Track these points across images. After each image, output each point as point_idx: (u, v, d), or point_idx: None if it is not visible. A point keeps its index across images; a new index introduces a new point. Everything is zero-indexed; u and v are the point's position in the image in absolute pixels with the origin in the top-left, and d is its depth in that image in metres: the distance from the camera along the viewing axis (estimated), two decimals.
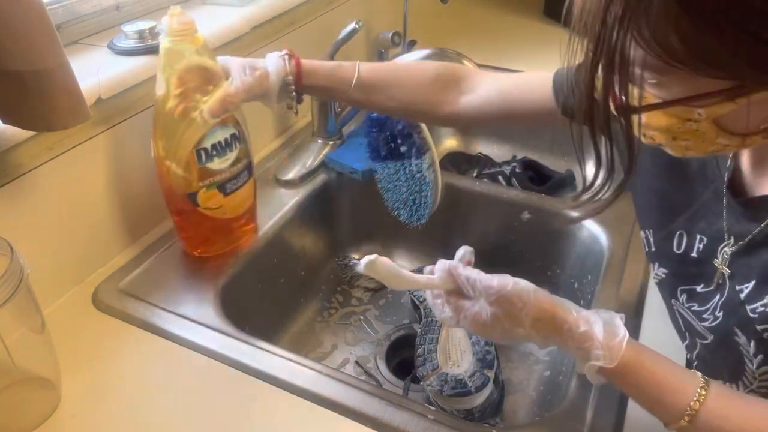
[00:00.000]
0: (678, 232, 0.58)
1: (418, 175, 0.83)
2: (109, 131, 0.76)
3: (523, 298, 0.54)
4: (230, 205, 0.79)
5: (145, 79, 0.76)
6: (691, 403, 0.48)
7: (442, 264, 0.58)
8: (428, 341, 0.80)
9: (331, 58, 0.99)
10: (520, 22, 1.67)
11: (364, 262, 0.55)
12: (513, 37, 1.56)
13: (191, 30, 0.69)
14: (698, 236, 0.56)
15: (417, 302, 0.91)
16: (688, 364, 0.62)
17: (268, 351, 0.68)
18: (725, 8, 0.35)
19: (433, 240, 1.01)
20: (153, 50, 0.77)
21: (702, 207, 0.56)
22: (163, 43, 0.69)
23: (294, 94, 0.72)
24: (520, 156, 1.27)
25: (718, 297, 0.55)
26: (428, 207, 0.84)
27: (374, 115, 0.81)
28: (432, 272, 0.58)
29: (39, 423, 0.61)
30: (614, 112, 0.42)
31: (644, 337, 0.70)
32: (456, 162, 1.31)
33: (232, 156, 0.76)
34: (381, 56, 1.25)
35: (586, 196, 0.49)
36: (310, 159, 1.02)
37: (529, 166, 1.20)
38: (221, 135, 0.74)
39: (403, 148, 0.81)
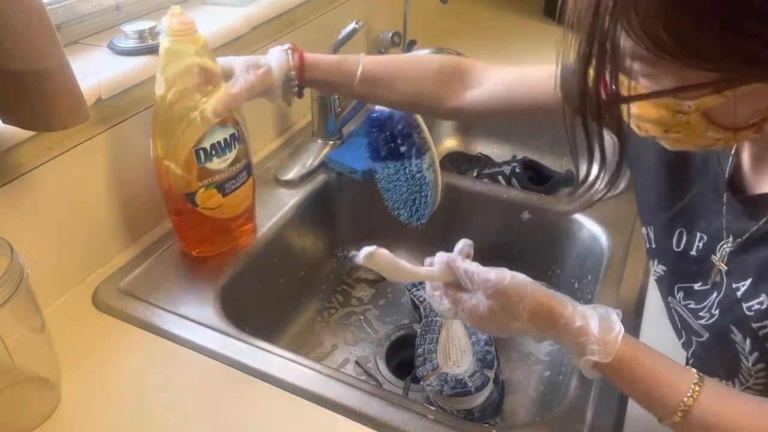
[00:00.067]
0: (678, 230, 0.59)
1: (418, 175, 0.83)
2: (109, 131, 0.76)
3: (520, 292, 0.54)
4: (229, 205, 0.79)
5: (145, 79, 0.76)
6: (685, 399, 0.49)
7: (441, 256, 0.58)
8: (428, 341, 0.80)
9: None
10: (520, 22, 1.67)
11: (363, 253, 0.55)
12: (513, 37, 1.56)
13: (191, 30, 0.69)
14: (698, 234, 0.57)
15: (417, 302, 0.91)
16: (686, 363, 0.63)
17: (268, 351, 0.68)
18: (709, 0, 0.36)
19: (433, 240, 1.01)
20: (153, 50, 0.77)
21: (702, 205, 0.56)
22: (163, 43, 0.69)
23: (296, 89, 0.72)
24: (520, 156, 1.27)
25: (715, 295, 0.55)
26: (428, 207, 0.84)
27: (374, 115, 0.81)
28: (431, 264, 0.59)
29: (39, 423, 0.61)
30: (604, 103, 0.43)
31: (644, 337, 0.70)
32: (456, 162, 1.31)
33: (231, 156, 0.76)
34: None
35: (581, 191, 0.49)
36: (310, 159, 1.02)
37: (529, 166, 1.20)
38: (220, 135, 0.74)
39: (403, 148, 0.81)
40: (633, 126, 0.48)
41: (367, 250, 0.55)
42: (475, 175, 1.23)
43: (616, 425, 0.61)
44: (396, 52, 1.23)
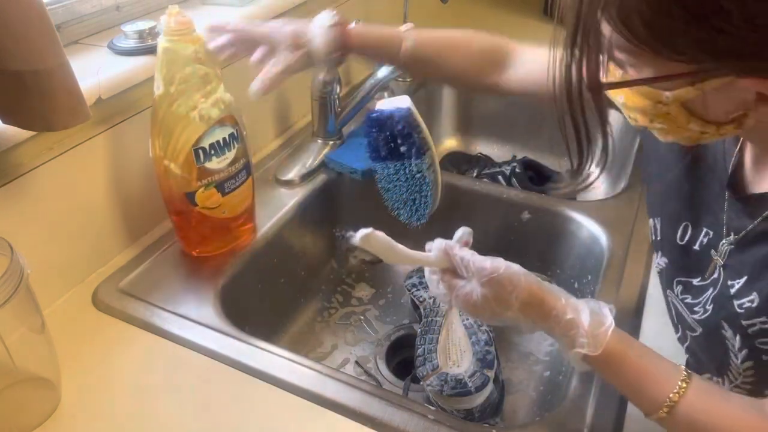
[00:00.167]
0: (684, 223, 0.59)
1: (418, 175, 0.82)
2: (109, 131, 0.76)
3: (513, 282, 0.55)
4: (228, 205, 0.79)
5: (145, 79, 0.76)
6: (671, 395, 0.49)
7: (438, 242, 0.60)
8: (428, 341, 0.80)
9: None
10: (520, 21, 1.67)
11: (360, 234, 0.56)
12: (513, 37, 1.56)
13: (189, 30, 0.69)
14: (704, 230, 0.57)
15: (417, 302, 0.91)
16: (685, 362, 0.63)
17: (268, 351, 0.68)
18: None
19: (433, 240, 1.01)
20: (153, 50, 0.77)
21: (709, 201, 0.57)
22: (161, 42, 0.69)
23: (335, 63, 0.75)
24: (520, 156, 1.27)
25: (710, 290, 0.56)
26: (428, 207, 0.84)
27: (374, 115, 0.81)
28: (432, 250, 0.60)
29: (39, 423, 0.61)
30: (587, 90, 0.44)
31: (644, 337, 0.70)
32: (456, 162, 1.31)
33: (230, 155, 0.76)
34: None
35: (571, 177, 0.50)
36: (310, 159, 1.02)
37: (529, 166, 1.20)
38: (219, 134, 0.74)
39: (403, 148, 0.80)
40: (625, 115, 0.49)
41: (363, 231, 0.56)
42: (475, 175, 1.23)
43: (616, 425, 0.61)
44: None
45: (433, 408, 0.68)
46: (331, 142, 1.05)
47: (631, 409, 0.62)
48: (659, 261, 0.64)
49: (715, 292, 0.55)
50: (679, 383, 0.50)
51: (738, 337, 0.52)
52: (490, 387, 0.74)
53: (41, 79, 0.57)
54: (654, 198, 0.65)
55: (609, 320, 0.53)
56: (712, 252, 0.56)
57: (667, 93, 0.43)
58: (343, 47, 0.72)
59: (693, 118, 0.45)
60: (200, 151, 0.73)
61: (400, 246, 0.59)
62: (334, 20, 0.72)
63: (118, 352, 0.69)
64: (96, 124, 0.74)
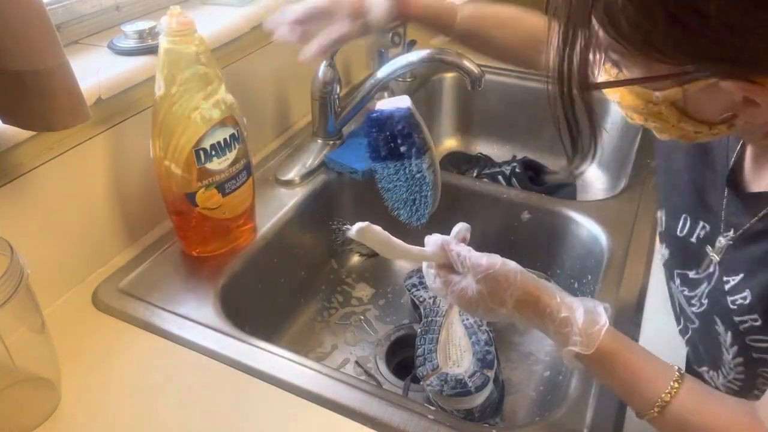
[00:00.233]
0: (683, 216, 0.60)
1: (418, 175, 0.82)
2: (109, 131, 0.76)
3: (509, 279, 0.55)
4: (229, 205, 0.79)
5: (145, 79, 0.76)
6: (663, 395, 0.50)
7: (435, 237, 0.60)
8: (428, 341, 0.80)
9: (331, 58, 0.98)
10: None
11: (356, 228, 0.56)
12: None
13: (190, 30, 0.69)
14: (701, 223, 0.58)
15: (417, 302, 0.91)
16: (686, 360, 0.63)
17: (268, 351, 0.68)
18: None
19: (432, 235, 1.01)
20: (153, 50, 0.77)
21: (709, 195, 0.57)
22: (162, 43, 0.69)
23: (392, 31, 0.79)
24: (520, 156, 1.27)
25: (705, 284, 0.56)
26: (428, 207, 0.84)
27: (374, 115, 0.81)
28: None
29: (39, 423, 0.61)
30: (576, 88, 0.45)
31: (644, 337, 0.70)
32: (456, 162, 1.31)
33: (231, 156, 0.76)
34: (381, 56, 1.25)
35: (565, 164, 0.51)
36: (310, 159, 1.02)
37: (529, 166, 1.20)
38: (220, 135, 0.74)
39: (403, 148, 0.80)
40: (622, 113, 0.50)
41: (359, 224, 0.56)
42: (475, 175, 1.23)
43: (616, 425, 0.61)
44: (396, 52, 1.23)
45: (433, 408, 0.68)
46: (331, 142, 1.05)
47: (632, 409, 0.62)
48: (663, 252, 0.65)
49: (710, 286, 0.55)
50: (672, 383, 0.50)
51: (729, 333, 0.53)
52: (490, 387, 0.74)
53: (41, 79, 0.57)
54: (661, 189, 0.66)
55: (603, 319, 0.53)
56: (708, 247, 0.56)
57: (657, 93, 0.44)
58: (400, 16, 0.75)
59: (685, 117, 0.45)
60: (201, 152, 0.73)
61: (397, 240, 0.59)
62: None
63: (118, 352, 0.69)
64: (96, 124, 0.74)
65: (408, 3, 0.75)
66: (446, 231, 0.63)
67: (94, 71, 0.73)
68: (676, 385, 0.50)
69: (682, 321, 0.62)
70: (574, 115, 0.46)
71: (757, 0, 0.36)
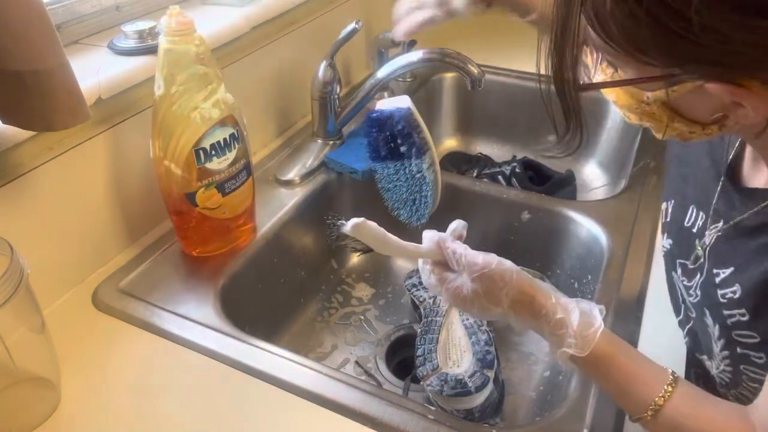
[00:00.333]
0: (692, 206, 0.60)
1: (418, 175, 0.82)
2: (109, 131, 0.76)
3: (505, 278, 0.55)
4: (229, 205, 0.79)
5: (145, 79, 0.76)
6: (657, 398, 0.50)
7: (431, 234, 0.60)
8: (428, 341, 0.80)
9: (332, 58, 0.99)
10: (520, 21, 1.67)
11: (351, 223, 0.56)
12: (513, 37, 1.56)
13: (190, 30, 0.69)
14: (701, 214, 0.58)
15: (417, 302, 0.91)
16: (686, 361, 0.63)
17: (268, 351, 0.68)
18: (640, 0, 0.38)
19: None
20: (153, 50, 0.77)
21: (708, 187, 0.58)
22: (162, 43, 0.69)
23: (479, 13, 0.83)
24: (520, 156, 1.27)
25: (698, 276, 0.57)
26: (428, 207, 0.84)
27: (374, 115, 0.81)
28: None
29: (39, 423, 0.61)
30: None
31: (644, 337, 0.70)
32: (456, 162, 1.31)
33: (230, 156, 0.76)
34: (381, 56, 1.25)
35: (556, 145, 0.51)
36: (310, 159, 1.02)
37: (529, 166, 1.20)
38: (220, 135, 0.74)
39: (403, 148, 0.80)
40: (620, 113, 0.50)
41: (355, 220, 0.56)
42: (475, 175, 1.23)
43: (616, 425, 0.61)
44: (396, 52, 1.23)
45: (433, 408, 0.68)
46: (331, 142, 1.05)
47: None
48: (665, 243, 0.65)
49: (702, 278, 0.56)
50: (666, 387, 0.50)
51: (717, 326, 0.53)
52: (490, 387, 0.74)
53: (41, 79, 0.57)
54: (669, 180, 0.67)
55: (598, 322, 0.53)
56: (697, 239, 0.57)
57: (648, 93, 0.45)
58: (482, 1, 0.80)
59: (678, 117, 0.46)
60: (201, 152, 0.73)
61: (392, 236, 0.59)
62: None
63: (118, 352, 0.69)
64: (96, 124, 0.74)
65: None
66: (445, 231, 0.63)
67: (94, 71, 0.73)
68: (670, 388, 0.50)
69: (682, 311, 0.62)
70: (569, 110, 0.47)
71: (735, 3, 0.36)
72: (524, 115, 1.33)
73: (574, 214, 0.94)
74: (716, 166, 0.57)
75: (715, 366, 0.57)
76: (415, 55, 0.94)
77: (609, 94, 0.49)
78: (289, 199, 0.95)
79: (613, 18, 0.40)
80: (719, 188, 0.55)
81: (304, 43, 1.11)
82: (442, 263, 0.59)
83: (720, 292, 0.52)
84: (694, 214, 0.60)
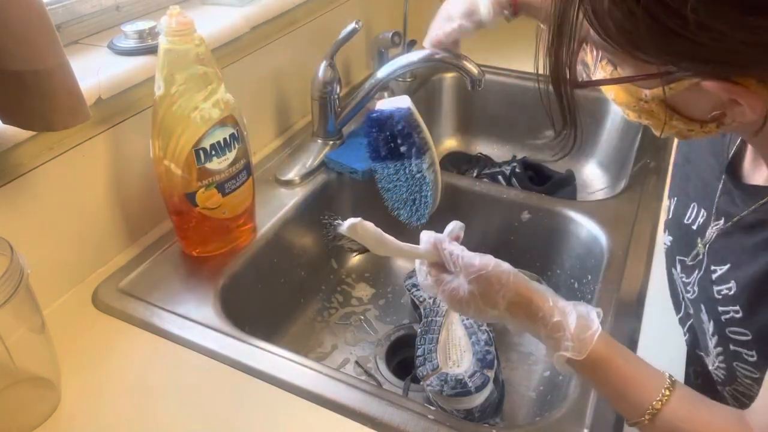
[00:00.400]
0: (693, 204, 0.61)
1: (418, 175, 0.82)
2: (109, 131, 0.76)
3: (501, 281, 0.54)
4: (229, 205, 0.79)
5: (145, 79, 0.76)
6: (654, 402, 0.49)
7: (428, 235, 0.59)
8: (428, 341, 0.80)
9: (331, 58, 0.99)
10: (520, 21, 1.67)
11: (347, 224, 0.55)
12: (513, 37, 1.56)
13: (190, 30, 0.69)
14: (702, 211, 0.59)
15: (417, 302, 0.91)
16: (686, 359, 0.64)
17: (268, 351, 0.68)
18: None
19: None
20: (153, 50, 0.77)
21: (709, 184, 0.58)
22: (162, 43, 0.69)
23: (507, 20, 0.85)
24: (520, 156, 1.27)
25: (696, 272, 0.57)
26: (428, 207, 0.84)
27: (374, 115, 0.81)
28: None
29: (39, 423, 0.61)
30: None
31: (644, 338, 0.70)
32: (456, 162, 1.31)
33: (230, 156, 0.76)
34: (381, 56, 1.25)
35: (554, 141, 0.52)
36: (310, 159, 1.02)
37: (529, 166, 1.20)
38: (220, 135, 0.74)
39: (403, 148, 0.80)
40: (620, 111, 0.51)
41: (351, 220, 0.55)
42: (475, 175, 1.23)
43: (616, 425, 0.61)
44: (396, 52, 1.23)
45: (433, 408, 0.68)
46: (331, 142, 1.05)
47: None
48: (666, 240, 0.65)
49: (700, 274, 0.56)
50: (663, 391, 0.50)
51: (711, 323, 0.54)
52: (490, 387, 0.74)
53: (41, 79, 0.57)
54: (675, 180, 0.67)
55: (596, 325, 0.53)
56: (699, 236, 0.57)
57: (646, 91, 0.45)
58: (509, 8, 0.83)
59: (676, 115, 0.46)
60: (201, 152, 0.73)
61: (389, 237, 0.58)
62: None
63: (118, 352, 0.69)
64: (96, 124, 0.74)
65: None
66: (450, 222, 0.62)
67: (94, 71, 0.73)
68: (668, 392, 0.50)
69: (683, 308, 0.62)
70: (565, 108, 0.47)
71: (732, 2, 0.37)
72: (524, 115, 1.33)
73: (574, 214, 0.94)
74: (719, 164, 0.57)
75: (711, 362, 0.57)
76: (415, 55, 0.94)
77: (608, 91, 0.49)
78: (289, 199, 0.95)
79: (610, 15, 0.40)
80: (721, 186, 0.56)
81: (304, 43, 1.11)
82: (439, 264, 0.58)
83: (716, 288, 0.53)
84: (694, 212, 0.60)
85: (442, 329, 0.82)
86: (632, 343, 0.69)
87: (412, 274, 0.96)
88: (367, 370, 0.89)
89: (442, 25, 0.87)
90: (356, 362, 0.91)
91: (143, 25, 0.79)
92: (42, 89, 0.58)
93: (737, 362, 0.53)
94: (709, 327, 0.54)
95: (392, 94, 1.23)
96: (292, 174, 0.99)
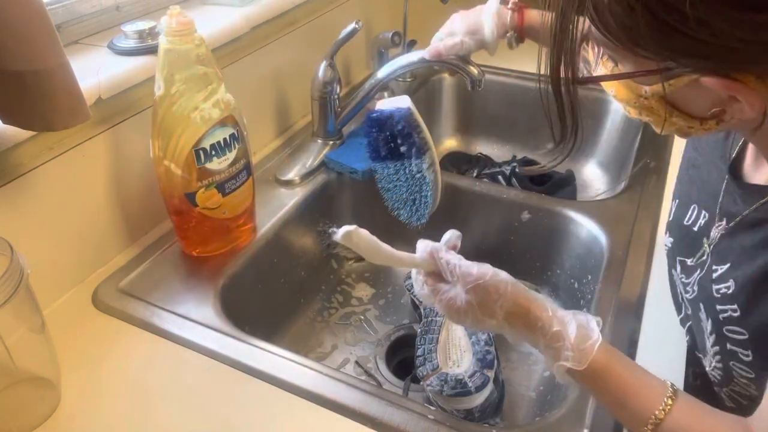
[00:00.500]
0: (693, 206, 0.61)
1: (418, 175, 0.82)
2: (109, 131, 0.76)
3: (499, 290, 0.54)
4: (229, 205, 0.79)
5: (145, 79, 0.76)
6: (657, 412, 0.49)
7: (424, 244, 0.59)
8: (428, 341, 0.80)
9: (331, 58, 0.99)
10: None
11: (342, 231, 0.54)
12: None
13: (190, 30, 0.69)
14: (703, 212, 0.59)
15: (417, 302, 0.91)
16: (686, 360, 0.64)
17: (268, 351, 0.68)
18: None
19: (433, 240, 1.01)
20: (153, 50, 0.77)
21: (712, 185, 0.58)
22: (162, 43, 0.69)
23: (511, 44, 0.85)
24: (520, 156, 1.27)
25: (698, 272, 0.57)
26: (428, 207, 0.84)
27: (374, 115, 0.81)
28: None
29: (39, 423, 0.61)
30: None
31: (644, 338, 0.70)
32: (456, 162, 1.31)
33: (230, 156, 0.76)
34: (381, 56, 1.25)
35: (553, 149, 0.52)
36: (310, 159, 1.02)
37: (529, 166, 1.20)
38: (220, 135, 0.74)
39: (403, 148, 0.80)
40: (621, 108, 0.51)
41: (346, 228, 0.54)
42: (475, 175, 1.23)
43: (616, 426, 0.61)
44: (396, 52, 1.23)
45: (433, 408, 0.68)
46: (331, 142, 1.05)
47: None
48: (666, 241, 0.66)
49: (701, 273, 0.56)
50: (665, 400, 0.49)
51: (710, 321, 0.54)
52: (490, 387, 0.74)
53: (41, 79, 0.57)
54: (679, 182, 0.67)
55: (596, 334, 0.52)
56: (704, 237, 0.57)
57: (646, 87, 0.46)
58: (512, 29, 0.82)
59: (676, 112, 0.46)
60: (201, 152, 0.73)
61: (385, 245, 0.57)
62: (499, 7, 0.81)
63: (118, 352, 0.69)
64: (96, 124, 0.74)
65: (521, 17, 0.81)
66: (447, 231, 0.62)
67: (94, 71, 0.73)
68: (670, 402, 0.49)
69: (683, 309, 0.62)
70: (564, 107, 0.47)
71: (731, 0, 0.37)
72: (524, 115, 1.33)
73: (574, 214, 0.94)
74: (722, 165, 0.57)
75: (708, 363, 0.57)
76: (415, 55, 0.94)
77: (609, 87, 0.50)
78: (289, 199, 0.95)
79: (611, 11, 0.41)
80: (724, 186, 0.56)
81: (304, 43, 1.11)
82: (436, 274, 0.58)
83: (715, 287, 0.53)
84: (695, 213, 0.60)
85: (442, 329, 0.82)
86: (632, 344, 0.69)
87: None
88: (367, 370, 0.89)
89: (445, 38, 0.88)
90: (356, 362, 0.91)
91: (143, 25, 0.79)
92: (42, 89, 0.58)
93: (733, 362, 0.53)
94: (707, 326, 0.54)
95: (392, 94, 1.23)
96: (292, 174, 0.99)
